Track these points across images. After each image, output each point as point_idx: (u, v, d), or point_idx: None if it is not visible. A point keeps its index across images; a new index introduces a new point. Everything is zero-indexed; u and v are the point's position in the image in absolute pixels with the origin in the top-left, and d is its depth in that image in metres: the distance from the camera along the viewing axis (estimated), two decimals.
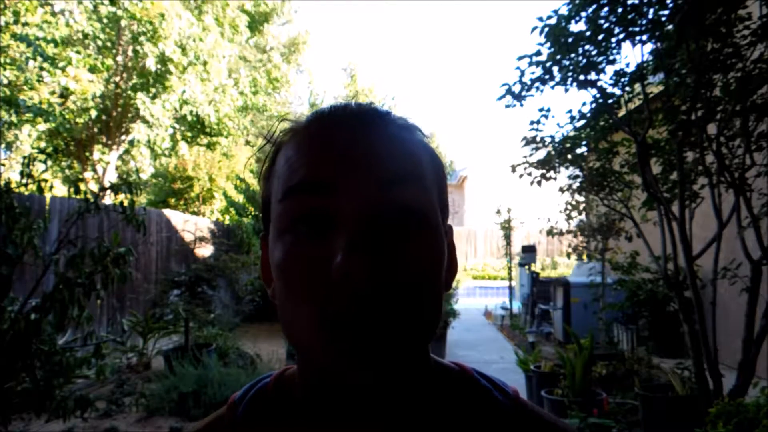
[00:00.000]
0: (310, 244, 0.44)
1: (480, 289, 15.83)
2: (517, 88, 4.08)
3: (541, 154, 4.74)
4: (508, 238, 10.74)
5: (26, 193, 4.86)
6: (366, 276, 0.41)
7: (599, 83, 3.89)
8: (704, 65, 3.31)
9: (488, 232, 20.55)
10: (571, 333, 4.91)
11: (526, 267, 9.68)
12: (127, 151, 12.66)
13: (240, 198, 12.25)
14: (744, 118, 3.42)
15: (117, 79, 11.35)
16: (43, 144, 11.45)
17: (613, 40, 3.68)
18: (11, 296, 2.99)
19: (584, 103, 4.10)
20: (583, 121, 4.33)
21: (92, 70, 10.41)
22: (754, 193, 3.63)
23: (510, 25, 75.86)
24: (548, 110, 4.44)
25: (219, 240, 9.91)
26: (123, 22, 10.62)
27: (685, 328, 3.61)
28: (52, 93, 9.75)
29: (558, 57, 3.80)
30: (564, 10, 3.73)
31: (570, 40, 3.69)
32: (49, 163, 12.26)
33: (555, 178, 4.81)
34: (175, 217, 9.25)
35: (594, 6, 3.56)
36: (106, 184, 3.44)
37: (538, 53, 3.88)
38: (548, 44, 3.79)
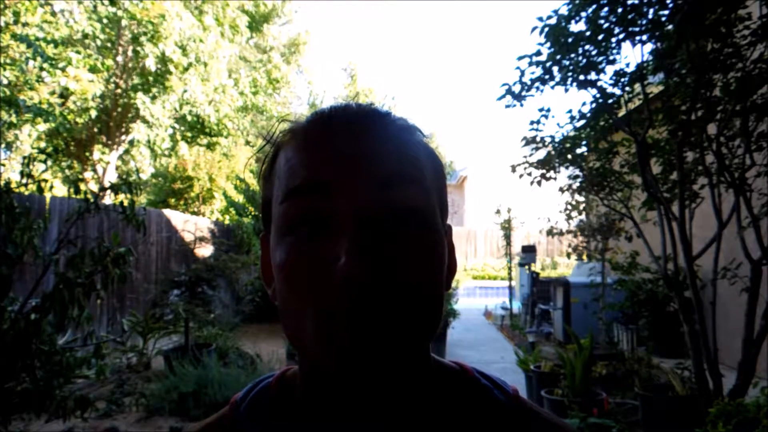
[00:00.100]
0: (311, 245, 0.44)
1: (480, 289, 15.84)
2: (517, 88, 4.08)
3: (541, 154, 4.74)
4: (508, 238, 10.74)
5: (26, 193, 4.87)
6: (367, 277, 0.41)
7: (599, 83, 3.89)
8: (704, 65, 3.31)
9: (488, 232, 20.55)
10: (571, 333, 4.91)
11: (526, 267, 9.68)
12: (127, 151, 12.66)
13: (240, 198, 12.25)
14: (744, 118, 3.42)
15: (117, 79, 11.35)
16: (43, 144, 11.45)
17: (613, 40, 3.68)
18: (11, 296, 2.99)
19: (584, 103, 4.10)
20: (583, 121, 4.33)
21: (92, 70, 10.41)
22: (754, 193, 3.63)
23: (510, 25, 75.88)
24: (548, 110, 4.44)
25: (219, 240, 9.90)
26: (123, 22, 10.62)
27: (685, 328, 3.61)
28: (52, 93, 9.75)
29: (558, 57, 3.80)
30: (564, 10, 3.73)
31: (570, 40, 3.69)
32: (49, 163, 12.27)
33: (555, 178, 4.81)
34: (175, 217, 9.25)
35: (594, 6, 3.56)
36: (106, 184, 3.44)
37: (538, 53, 3.88)
38: (548, 44, 3.79)
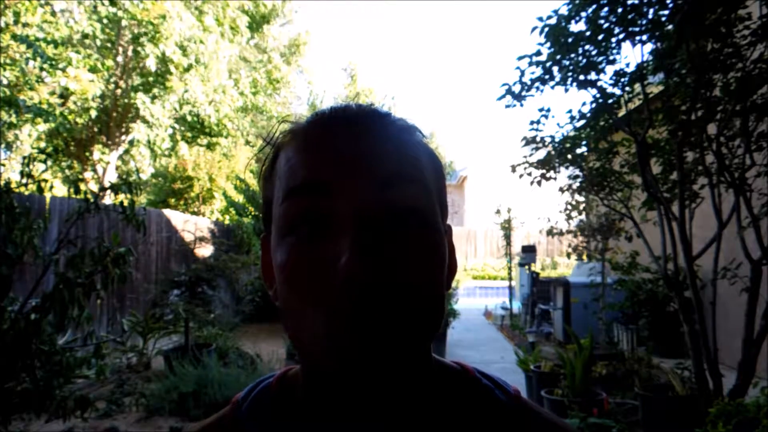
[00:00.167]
0: (312, 245, 0.44)
1: (480, 289, 15.84)
2: (517, 88, 4.08)
3: (541, 154, 4.74)
4: (508, 238, 10.74)
5: (26, 193, 4.87)
6: (367, 277, 0.41)
7: (599, 83, 3.89)
8: (704, 65, 3.31)
9: (488, 232, 20.55)
10: (571, 333, 4.91)
11: (526, 267, 9.68)
12: (127, 151, 12.66)
13: (240, 198, 12.25)
14: (744, 118, 3.42)
15: (117, 79, 11.35)
16: (43, 144, 11.46)
17: (613, 40, 3.68)
18: (11, 296, 2.99)
19: (584, 103, 4.10)
20: (583, 121, 4.33)
21: (92, 70, 10.42)
22: (754, 193, 3.63)
23: (510, 25, 75.88)
24: (548, 110, 4.44)
25: (219, 240, 9.90)
26: (123, 23, 10.62)
27: (685, 328, 3.61)
28: (52, 93, 9.76)
29: (558, 57, 3.80)
30: (564, 10, 3.73)
31: (570, 40, 3.69)
32: (49, 163, 12.28)
33: (555, 178, 4.80)
34: (175, 217, 9.25)
35: (594, 6, 3.56)
36: (106, 184, 3.43)
37: (538, 53, 3.88)
38: (548, 44, 3.79)
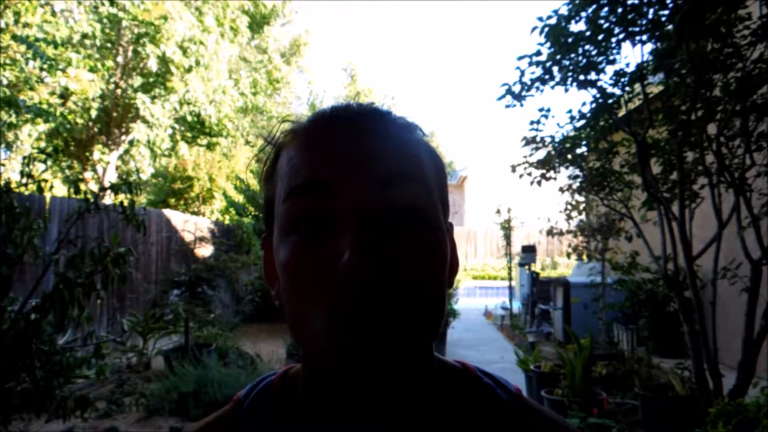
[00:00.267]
0: (314, 244, 0.44)
1: (480, 289, 15.84)
2: (517, 88, 4.08)
3: (541, 154, 4.74)
4: (508, 238, 10.74)
5: (26, 193, 4.87)
6: (368, 276, 0.41)
7: (599, 83, 3.89)
8: (704, 65, 3.31)
9: (488, 232, 20.56)
10: (571, 333, 4.91)
11: (526, 267, 9.68)
12: (127, 151, 12.67)
13: (240, 198, 12.25)
14: (744, 118, 3.42)
15: (117, 79, 11.35)
16: (43, 144, 11.46)
17: (613, 40, 3.68)
18: (11, 296, 2.99)
19: (584, 103, 4.10)
20: (583, 121, 4.33)
21: (92, 70, 10.42)
22: (754, 193, 3.63)
23: (510, 25, 75.89)
24: (548, 110, 4.44)
25: (219, 240, 9.91)
26: (124, 23, 10.62)
27: (685, 328, 3.61)
28: (52, 93, 9.76)
29: (558, 57, 3.80)
30: (564, 10, 3.73)
31: (570, 40, 3.69)
32: (49, 163, 12.28)
33: (555, 178, 4.80)
34: (175, 217, 9.25)
35: (594, 6, 3.56)
36: (106, 184, 3.43)
37: (538, 53, 3.88)
38: (548, 44, 3.79)
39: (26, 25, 9.38)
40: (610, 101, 3.98)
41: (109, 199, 3.73)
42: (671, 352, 5.77)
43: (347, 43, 49.34)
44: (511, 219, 10.59)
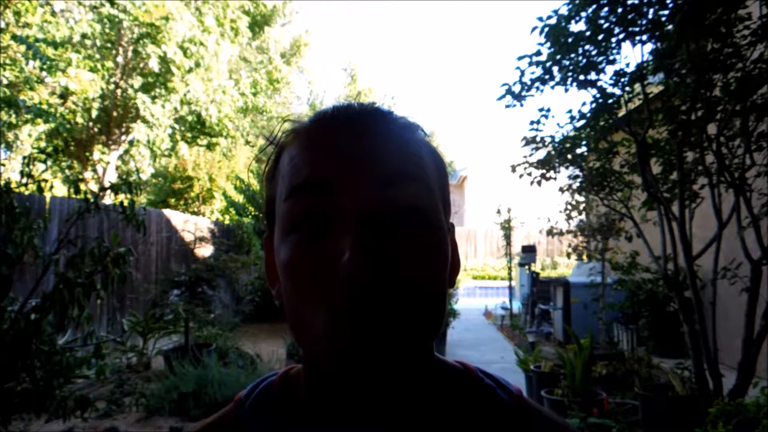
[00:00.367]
0: (315, 244, 0.44)
1: (480, 289, 15.84)
2: (517, 88, 4.08)
3: (541, 154, 4.74)
4: (508, 238, 10.74)
5: (26, 193, 4.87)
6: (368, 276, 0.41)
7: (599, 83, 3.89)
8: (704, 65, 3.31)
9: (488, 232, 20.56)
10: (571, 333, 4.91)
11: (526, 267, 9.68)
12: (127, 151, 12.67)
13: (240, 198, 12.25)
14: (744, 118, 3.42)
15: (117, 79, 11.36)
16: (43, 144, 11.46)
17: (613, 40, 3.68)
18: (11, 296, 2.99)
19: (584, 103, 4.10)
20: (583, 121, 4.33)
21: (92, 70, 10.42)
22: (754, 193, 3.63)
23: (510, 25, 75.90)
24: (548, 110, 4.44)
25: (219, 240, 9.91)
26: (125, 23, 10.63)
27: (685, 328, 3.61)
28: (52, 94, 9.76)
29: (558, 57, 3.80)
30: (564, 10, 3.73)
31: (570, 40, 3.69)
32: (49, 163, 12.28)
33: (555, 178, 4.80)
34: (175, 217, 9.25)
35: (594, 6, 3.56)
36: (106, 184, 3.43)
37: (538, 53, 3.88)
38: (548, 44, 3.79)
39: (26, 25, 9.38)
40: (610, 101, 3.98)
41: (109, 199, 3.73)
42: (671, 352, 5.77)
43: (347, 43, 49.40)
44: (511, 219, 10.59)
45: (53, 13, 10.05)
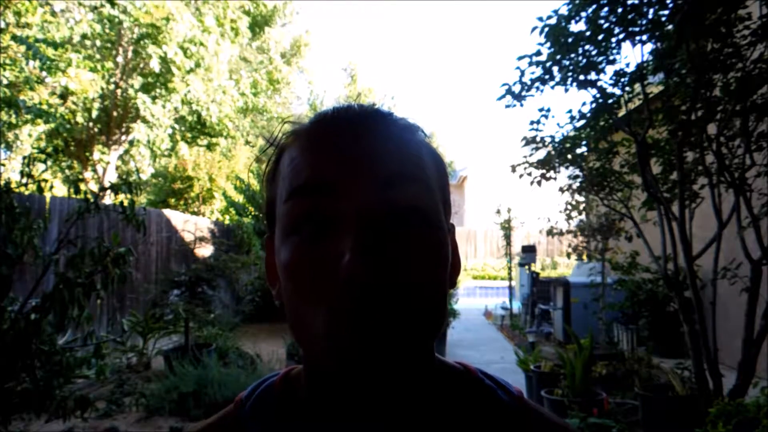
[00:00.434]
0: (315, 245, 0.44)
1: (480, 289, 15.84)
2: (517, 88, 4.08)
3: (541, 154, 4.74)
4: (508, 238, 10.74)
5: (26, 193, 4.86)
6: (369, 277, 0.41)
7: (599, 83, 3.89)
8: (704, 65, 3.31)
9: (488, 232, 20.56)
10: (571, 333, 4.91)
11: (526, 267, 9.68)
12: (127, 151, 12.67)
13: (240, 198, 12.25)
14: (744, 118, 3.42)
15: (117, 79, 11.36)
16: (43, 144, 11.46)
17: (613, 40, 3.68)
18: (11, 296, 2.99)
19: (584, 103, 4.10)
20: (583, 121, 4.33)
21: (92, 70, 10.42)
22: (754, 193, 3.63)
23: (510, 25, 75.90)
24: (548, 110, 4.44)
25: (219, 240, 9.90)
26: (125, 24, 10.63)
27: (685, 328, 3.61)
28: (52, 94, 9.76)
29: (558, 57, 3.80)
30: (564, 10, 3.73)
31: (570, 40, 3.69)
32: (49, 163, 12.27)
33: (555, 178, 4.80)
34: (175, 217, 9.25)
35: (594, 6, 3.56)
36: (106, 184, 3.43)
37: (538, 53, 3.88)
38: (548, 44, 3.79)
39: (26, 25, 9.38)
40: (610, 101, 3.98)
41: (109, 199, 3.73)
42: (671, 352, 5.77)
43: (347, 43, 49.40)
44: (511, 219, 10.59)
45: (53, 14, 10.05)
